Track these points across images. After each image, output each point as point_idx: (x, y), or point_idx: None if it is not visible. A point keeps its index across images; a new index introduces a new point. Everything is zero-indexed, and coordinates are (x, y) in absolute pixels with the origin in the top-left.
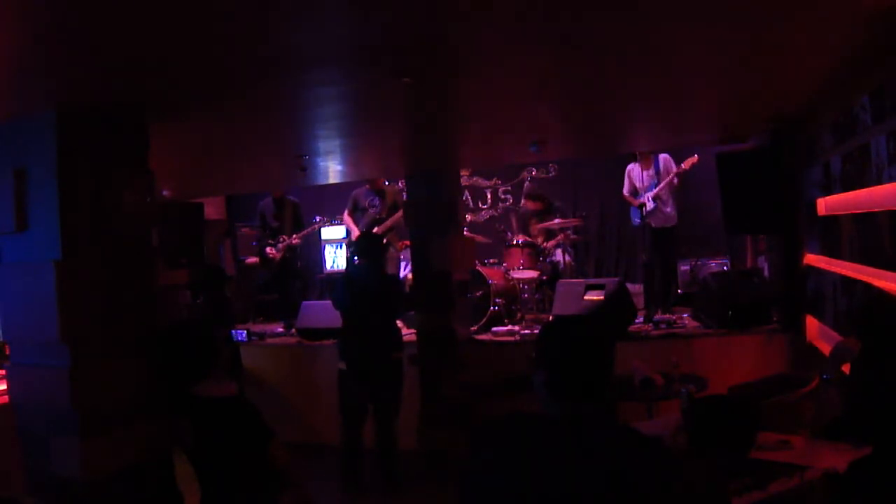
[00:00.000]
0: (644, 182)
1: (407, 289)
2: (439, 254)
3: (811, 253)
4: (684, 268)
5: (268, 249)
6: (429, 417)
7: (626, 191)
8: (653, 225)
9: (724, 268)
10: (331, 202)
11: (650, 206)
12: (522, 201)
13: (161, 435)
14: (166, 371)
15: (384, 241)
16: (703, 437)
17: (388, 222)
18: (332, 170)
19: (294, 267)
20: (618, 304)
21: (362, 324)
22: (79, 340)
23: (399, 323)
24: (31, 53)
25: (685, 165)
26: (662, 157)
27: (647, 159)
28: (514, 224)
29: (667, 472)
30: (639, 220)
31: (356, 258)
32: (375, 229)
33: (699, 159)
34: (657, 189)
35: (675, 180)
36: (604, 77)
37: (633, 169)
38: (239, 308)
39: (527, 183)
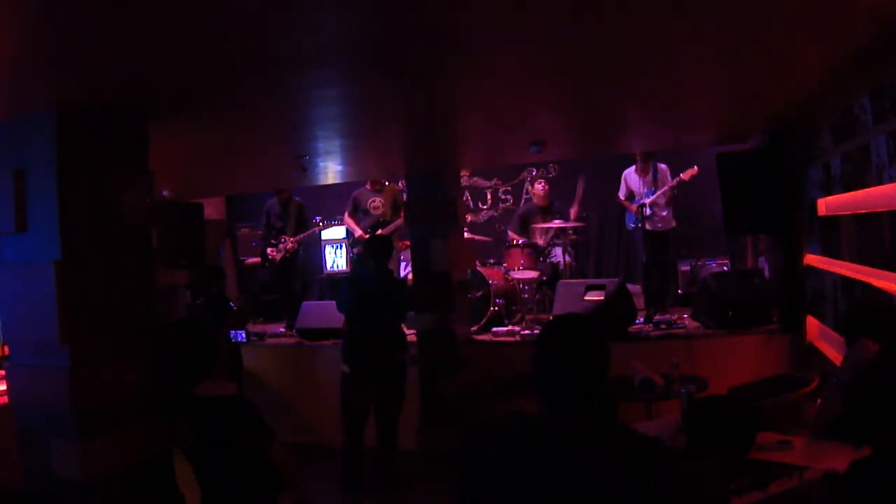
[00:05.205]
0: (642, 188)
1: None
2: (439, 254)
3: (811, 253)
4: (684, 268)
5: (269, 250)
6: (429, 417)
7: (622, 195)
8: (648, 227)
9: (724, 268)
10: (331, 202)
11: (647, 211)
12: (533, 190)
13: (161, 435)
14: (166, 371)
15: (391, 243)
16: (702, 437)
17: (393, 225)
18: (332, 170)
19: (294, 267)
20: (618, 304)
21: (367, 326)
22: (79, 340)
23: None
24: (31, 53)
25: (685, 177)
26: (661, 166)
27: (646, 166)
28: (516, 220)
29: (666, 472)
30: (633, 225)
31: (365, 259)
32: (380, 231)
33: (699, 171)
34: (654, 197)
35: (672, 191)
36: (604, 77)
37: (630, 174)
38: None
39: (538, 182)
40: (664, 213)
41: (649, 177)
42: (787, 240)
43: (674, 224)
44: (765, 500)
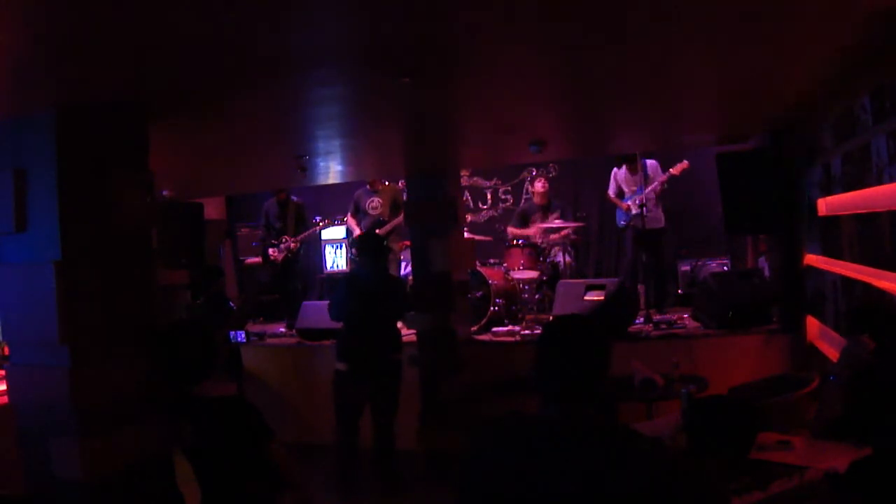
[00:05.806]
0: (631, 186)
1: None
2: (439, 254)
3: (811, 253)
4: (684, 268)
5: (270, 250)
6: (429, 417)
7: (611, 192)
8: (645, 227)
9: (724, 268)
10: (331, 202)
11: (635, 210)
12: (533, 189)
13: (161, 435)
14: (166, 371)
15: (385, 242)
16: (702, 437)
17: (390, 224)
18: (332, 170)
19: (295, 268)
20: (617, 304)
21: (363, 325)
22: (79, 340)
23: (399, 324)
24: (31, 53)
25: (675, 171)
26: (650, 162)
27: (635, 164)
28: (516, 218)
29: (666, 472)
30: (624, 223)
31: (357, 257)
32: (377, 231)
33: (691, 165)
34: (644, 194)
35: (663, 186)
36: (604, 77)
37: (619, 172)
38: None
39: (539, 180)
40: (655, 212)
41: (639, 174)
42: (787, 240)
43: (664, 224)
44: (765, 500)
